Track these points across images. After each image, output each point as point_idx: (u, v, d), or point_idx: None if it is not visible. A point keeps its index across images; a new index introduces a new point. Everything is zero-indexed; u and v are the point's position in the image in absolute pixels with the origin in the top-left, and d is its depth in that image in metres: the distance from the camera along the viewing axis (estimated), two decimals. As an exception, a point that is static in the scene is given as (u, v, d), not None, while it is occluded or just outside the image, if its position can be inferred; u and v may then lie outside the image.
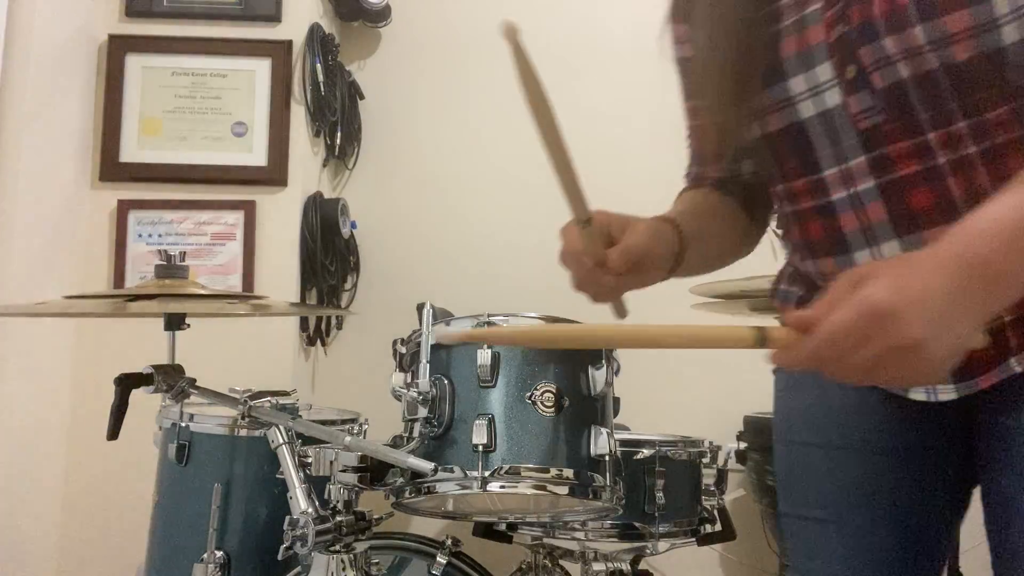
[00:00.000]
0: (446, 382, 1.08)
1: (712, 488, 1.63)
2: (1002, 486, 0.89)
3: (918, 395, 0.93)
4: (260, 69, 2.22)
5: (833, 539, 0.98)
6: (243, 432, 1.47)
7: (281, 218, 2.20)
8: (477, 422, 1.04)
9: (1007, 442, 0.88)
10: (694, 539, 1.60)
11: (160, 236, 2.16)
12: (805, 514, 1.02)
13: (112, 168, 2.17)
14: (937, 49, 0.78)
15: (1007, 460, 0.88)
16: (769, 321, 0.81)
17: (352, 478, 1.16)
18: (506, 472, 1.03)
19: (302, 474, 1.19)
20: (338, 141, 2.41)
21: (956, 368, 0.89)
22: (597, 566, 1.60)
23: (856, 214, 0.88)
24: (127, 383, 1.27)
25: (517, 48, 0.67)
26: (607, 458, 1.09)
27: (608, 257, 0.86)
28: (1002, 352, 0.86)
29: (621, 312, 0.97)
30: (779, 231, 1.03)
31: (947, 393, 0.90)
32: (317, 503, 1.16)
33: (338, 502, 1.19)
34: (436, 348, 1.11)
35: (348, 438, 1.17)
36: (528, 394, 1.06)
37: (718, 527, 1.63)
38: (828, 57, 0.84)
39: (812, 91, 0.87)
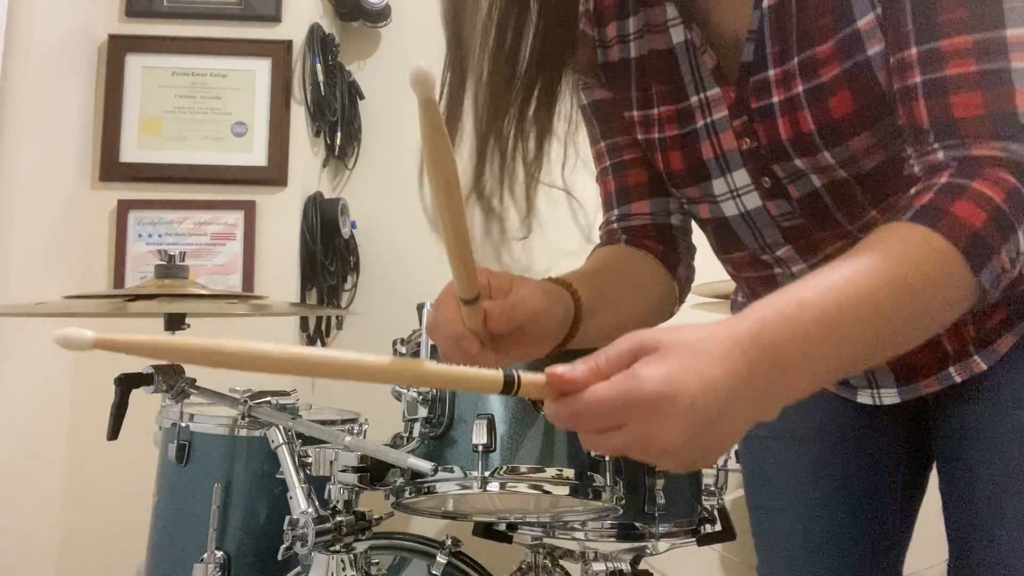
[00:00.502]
0: (446, 382, 1.08)
1: (712, 488, 1.63)
2: (955, 473, 0.92)
3: (864, 399, 0.96)
4: (260, 69, 2.21)
5: (791, 526, 1.01)
6: (243, 432, 1.46)
7: (281, 218, 2.20)
8: (477, 422, 1.04)
9: (957, 433, 0.91)
10: (694, 539, 1.60)
11: (160, 236, 2.15)
12: (766, 504, 1.04)
13: (112, 168, 2.17)
14: (846, 166, 0.78)
15: (960, 449, 0.91)
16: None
17: (352, 478, 1.16)
18: (506, 472, 1.03)
19: (302, 474, 1.19)
20: (338, 141, 2.41)
21: (899, 374, 0.92)
22: (597, 566, 1.60)
23: None
24: (127, 383, 1.27)
25: (429, 103, 0.52)
26: (607, 458, 1.09)
27: (488, 315, 0.69)
28: (941, 362, 0.89)
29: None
30: None
31: (891, 397, 0.94)
32: (317, 503, 1.16)
33: (338, 502, 1.19)
34: (436, 348, 1.11)
35: (348, 438, 1.17)
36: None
37: (718, 527, 1.62)
38: (743, 165, 0.84)
39: (732, 193, 0.87)
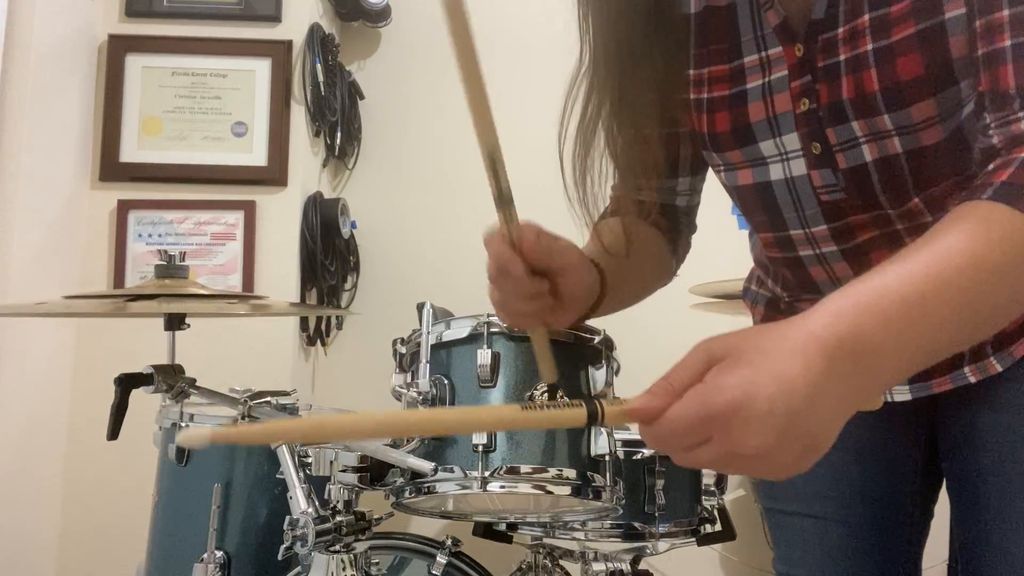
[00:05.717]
0: (446, 382, 1.08)
1: (712, 488, 1.63)
2: (965, 478, 0.92)
3: None
4: (260, 69, 2.22)
5: (810, 531, 1.01)
6: (243, 432, 1.46)
7: (281, 218, 2.20)
8: (477, 422, 1.04)
9: (968, 436, 0.91)
10: (694, 539, 1.60)
11: (160, 236, 2.16)
12: (783, 508, 1.04)
13: (112, 168, 2.17)
14: (904, 134, 0.77)
15: (970, 453, 0.91)
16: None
17: (352, 478, 1.16)
18: (506, 472, 1.03)
19: (302, 474, 1.19)
20: (338, 141, 2.41)
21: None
22: (597, 566, 1.60)
23: (824, 268, 0.90)
24: (127, 383, 1.27)
25: None
26: (607, 458, 1.09)
27: (523, 233, 0.73)
28: (955, 360, 0.88)
29: (549, 372, 0.86)
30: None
31: (902, 395, 0.93)
32: (317, 503, 1.16)
33: (338, 502, 1.18)
34: (436, 348, 1.11)
35: (348, 438, 1.17)
36: (528, 394, 1.06)
37: (718, 527, 1.63)
38: (795, 128, 0.83)
39: (781, 156, 0.86)
